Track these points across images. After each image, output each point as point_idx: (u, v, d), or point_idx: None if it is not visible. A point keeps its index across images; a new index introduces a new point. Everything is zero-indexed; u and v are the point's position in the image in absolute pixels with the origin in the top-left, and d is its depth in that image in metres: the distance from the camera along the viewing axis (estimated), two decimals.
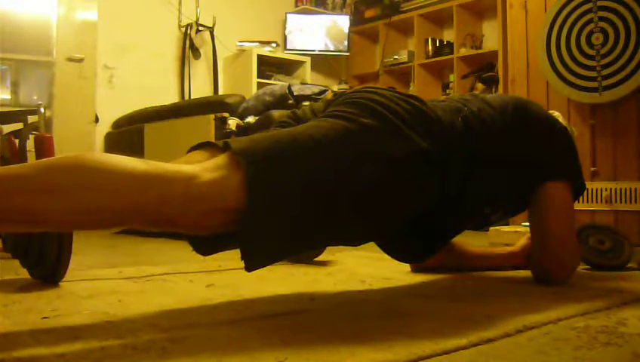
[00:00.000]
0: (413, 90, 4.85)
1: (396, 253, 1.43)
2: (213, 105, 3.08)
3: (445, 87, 4.84)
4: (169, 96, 4.38)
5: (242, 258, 0.92)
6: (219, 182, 0.89)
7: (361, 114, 1.06)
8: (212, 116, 2.93)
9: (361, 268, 1.71)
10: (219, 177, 0.90)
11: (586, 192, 2.36)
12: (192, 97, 4.53)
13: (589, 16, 2.52)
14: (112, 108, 4.06)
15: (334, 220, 1.01)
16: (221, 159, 0.93)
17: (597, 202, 2.56)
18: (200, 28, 4.67)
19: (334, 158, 1.00)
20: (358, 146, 1.02)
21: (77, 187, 0.81)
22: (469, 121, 1.23)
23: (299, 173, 0.96)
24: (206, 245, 1.06)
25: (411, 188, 1.11)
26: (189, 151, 1.06)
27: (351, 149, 1.02)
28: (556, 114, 1.55)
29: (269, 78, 4.74)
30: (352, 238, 1.18)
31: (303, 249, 1.27)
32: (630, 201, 2.49)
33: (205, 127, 2.93)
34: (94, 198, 0.81)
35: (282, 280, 1.47)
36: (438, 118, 1.17)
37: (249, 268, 0.94)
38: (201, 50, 4.68)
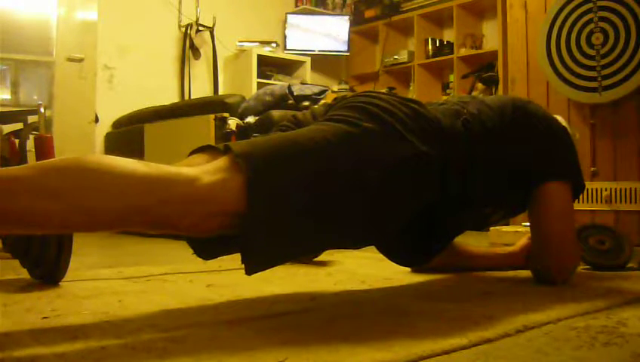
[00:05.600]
0: (413, 90, 4.85)
1: (397, 256, 1.43)
2: (213, 105, 3.08)
3: (445, 87, 4.84)
4: (169, 96, 4.38)
5: (242, 261, 0.92)
6: (219, 184, 0.89)
7: (362, 118, 1.06)
8: (212, 116, 2.93)
9: (361, 268, 1.71)
10: (219, 180, 0.90)
11: (586, 192, 2.36)
12: (192, 97, 4.53)
13: (589, 16, 2.52)
14: (112, 108, 4.06)
15: (335, 223, 1.01)
16: (222, 162, 0.93)
17: (597, 202, 2.56)
18: (200, 28, 4.67)
19: (335, 161, 1.00)
20: (359, 149, 1.03)
21: (78, 189, 0.81)
22: (468, 123, 1.23)
23: (299, 177, 0.96)
24: (207, 249, 1.06)
25: (412, 191, 1.11)
26: (190, 154, 1.06)
27: (351, 152, 1.02)
28: (559, 118, 1.55)
29: (269, 78, 4.74)
30: (353, 241, 1.18)
31: (303, 252, 1.27)
32: (630, 201, 2.49)
33: (205, 127, 2.93)
34: (95, 200, 0.81)
35: (282, 280, 1.47)
36: (438, 121, 1.17)
37: (249, 271, 0.94)
38: (201, 50, 4.68)
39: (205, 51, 4.72)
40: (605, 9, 2.47)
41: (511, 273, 1.58)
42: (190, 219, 0.88)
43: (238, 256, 0.94)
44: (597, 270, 1.63)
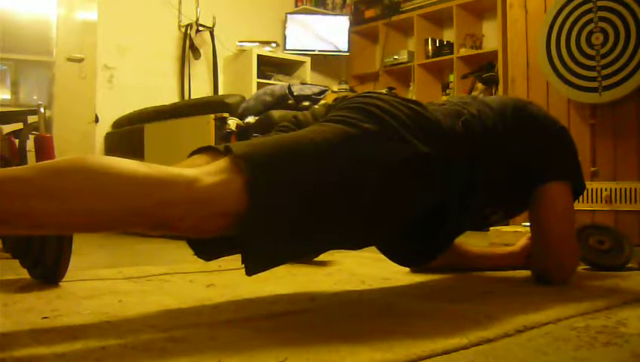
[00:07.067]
0: (413, 90, 4.86)
1: (397, 256, 1.43)
2: (213, 105, 3.08)
3: (445, 87, 4.84)
4: (169, 96, 4.38)
5: (243, 262, 0.92)
6: (220, 185, 0.89)
7: (362, 119, 1.06)
8: (212, 116, 2.93)
9: (361, 268, 1.71)
10: (220, 181, 0.90)
11: (586, 192, 2.36)
12: (192, 97, 4.53)
13: (589, 16, 2.52)
14: (112, 108, 4.06)
15: (335, 224, 1.01)
16: (222, 163, 0.93)
17: (597, 202, 2.55)
18: (200, 28, 4.67)
19: (335, 163, 1.00)
20: (359, 151, 1.02)
21: (78, 190, 0.81)
22: (469, 124, 1.23)
23: (300, 178, 0.96)
24: (208, 250, 1.06)
25: (412, 193, 1.11)
26: (191, 155, 1.06)
27: (351, 154, 1.01)
28: None
29: (269, 78, 4.74)
30: (353, 242, 1.18)
31: (304, 253, 1.27)
32: (630, 201, 2.48)
33: (205, 127, 2.93)
34: (95, 202, 0.81)
35: (282, 280, 1.47)
36: (438, 122, 1.17)
37: (250, 272, 0.94)
38: (201, 50, 4.68)
39: (205, 51, 4.72)
40: (605, 9, 2.47)
41: (511, 273, 1.58)
42: (191, 220, 0.88)
43: (238, 256, 0.94)
44: (597, 270, 1.63)
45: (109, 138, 4.01)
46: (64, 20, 3.75)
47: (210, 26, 4.69)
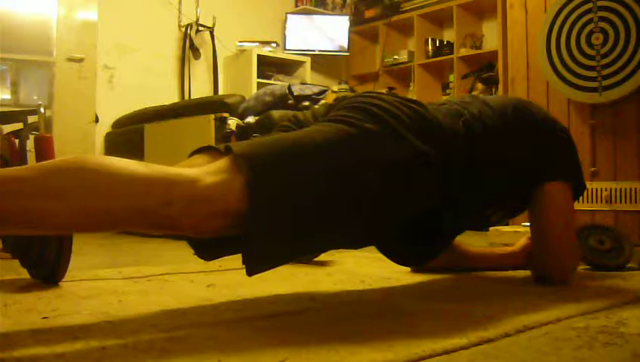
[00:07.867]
0: (413, 90, 4.85)
1: (397, 256, 1.43)
2: (213, 105, 3.08)
3: (445, 87, 4.84)
4: (169, 96, 4.38)
5: (244, 262, 0.92)
6: (220, 185, 0.89)
7: (363, 118, 1.06)
8: (212, 116, 2.93)
9: (361, 268, 1.71)
10: (220, 180, 0.90)
11: (586, 192, 2.36)
12: (192, 97, 4.53)
13: (589, 16, 2.52)
14: (112, 108, 4.06)
15: (335, 224, 1.01)
16: (222, 163, 0.93)
17: (597, 202, 2.56)
18: (200, 28, 4.67)
19: (335, 162, 1.00)
20: (359, 150, 1.02)
21: (78, 190, 0.81)
22: (469, 124, 1.23)
23: (300, 177, 0.96)
24: (208, 250, 1.06)
25: (412, 192, 1.11)
26: (191, 155, 1.06)
27: (352, 153, 1.02)
28: None
29: (269, 78, 4.74)
30: (353, 241, 1.18)
31: (304, 253, 1.27)
32: (630, 201, 2.49)
33: (205, 127, 2.93)
34: (96, 201, 0.81)
35: (282, 280, 1.47)
36: (438, 122, 1.17)
37: (250, 271, 0.94)
38: (201, 50, 4.68)
39: (205, 51, 4.72)
40: (605, 9, 2.47)
41: (511, 273, 1.58)
42: (191, 220, 0.88)
43: (238, 256, 0.94)
44: (597, 270, 1.63)
45: (109, 138, 4.01)
46: (64, 20, 3.75)
47: (210, 26, 4.69)
